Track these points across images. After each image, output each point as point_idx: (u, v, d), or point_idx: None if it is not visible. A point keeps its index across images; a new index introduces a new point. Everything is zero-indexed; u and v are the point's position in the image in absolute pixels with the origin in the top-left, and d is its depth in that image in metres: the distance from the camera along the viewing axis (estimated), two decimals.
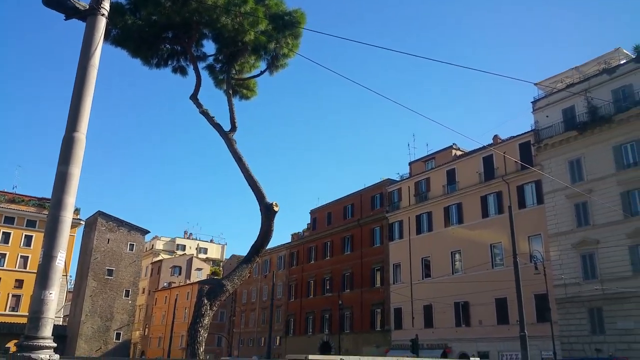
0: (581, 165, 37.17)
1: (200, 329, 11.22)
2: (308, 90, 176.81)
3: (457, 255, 45.09)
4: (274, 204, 12.45)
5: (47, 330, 5.28)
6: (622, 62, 38.13)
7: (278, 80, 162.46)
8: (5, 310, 63.20)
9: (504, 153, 39.83)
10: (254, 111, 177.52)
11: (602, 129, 36.24)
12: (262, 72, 14.93)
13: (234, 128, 13.52)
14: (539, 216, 38.85)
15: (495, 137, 47.10)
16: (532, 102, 42.09)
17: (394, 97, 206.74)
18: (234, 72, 14.75)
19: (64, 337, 66.13)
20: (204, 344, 11.30)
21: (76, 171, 5.78)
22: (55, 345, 5.37)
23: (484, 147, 40.88)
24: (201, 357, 11.04)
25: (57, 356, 5.35)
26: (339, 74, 22.20)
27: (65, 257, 5.58)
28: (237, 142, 13.35)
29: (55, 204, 5.65)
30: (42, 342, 5.20)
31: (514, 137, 43.40)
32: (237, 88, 15.23)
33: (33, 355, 5.07)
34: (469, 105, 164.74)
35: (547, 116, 40.23)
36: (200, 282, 13.74)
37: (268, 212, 12.42)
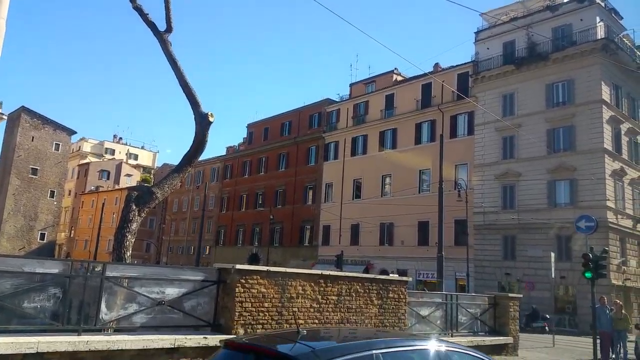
0: (514, 100, 38.35)
1: (127, 234, 11.09)
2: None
3: (387, 179, 46.49)
4: (209, 113, 12.07)
5: None
6: (565, 0, 38.69)
7: None
8: None
9: (442, 82, 40.36)
10: (192, 20, 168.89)
11: (537, 66, 37.20)
12: None
13: (169, 29, 12.54)
14: (467, 146, 40.27)
15: (436, 65, 47.54)
16: (475, 33, 42.38)
17: (342, 14, 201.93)
18: None
19: None
20: (130, 249, 11.24)
21: None
22: None
23: (424, 75, 41.20)
24: (128, 261, 11.01)
25: None
26: None
27: None
28: (175, 49, 12.55)
29: None
30: None
31: (453, 66, 43.92)
32: None
33: None
34: (414, 31, 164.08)
35: (487, 48, 40.76)
36: (129, 188, 13.41)
37: (203, 122, 12.08)
